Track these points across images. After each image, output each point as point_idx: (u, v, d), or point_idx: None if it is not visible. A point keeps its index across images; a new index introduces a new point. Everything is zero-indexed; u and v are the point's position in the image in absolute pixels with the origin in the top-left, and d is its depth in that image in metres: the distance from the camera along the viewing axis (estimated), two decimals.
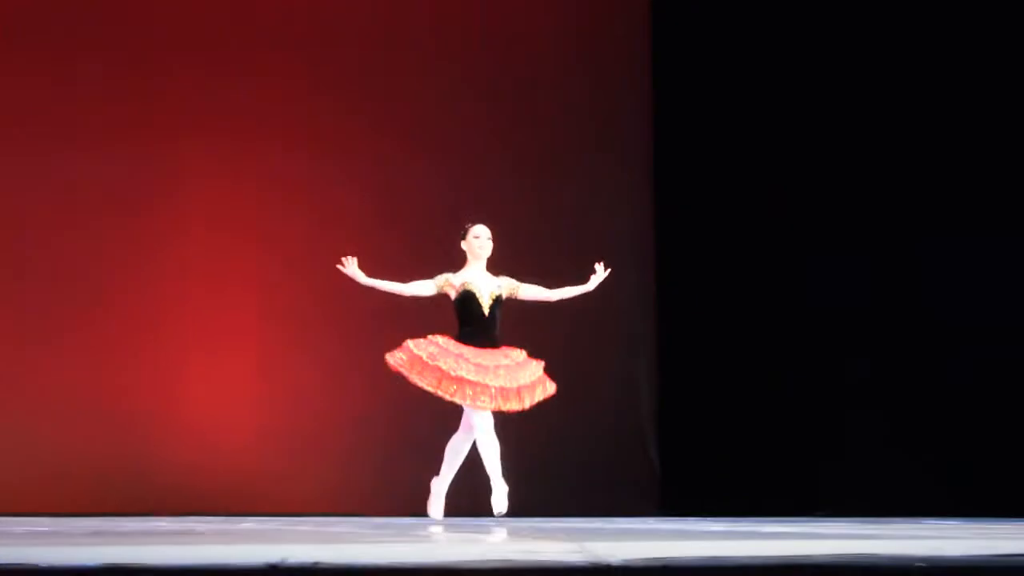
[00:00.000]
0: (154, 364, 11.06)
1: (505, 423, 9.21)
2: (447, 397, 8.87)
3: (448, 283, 9.14)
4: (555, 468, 11.10)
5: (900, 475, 10.75)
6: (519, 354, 9.07)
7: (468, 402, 8.86)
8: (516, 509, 9.52)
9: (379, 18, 11.66)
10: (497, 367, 8.93)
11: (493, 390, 8.84)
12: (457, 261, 9.25)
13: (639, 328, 11.81)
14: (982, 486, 10.46)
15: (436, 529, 7.65)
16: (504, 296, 9.16)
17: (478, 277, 9.17)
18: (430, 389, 8.86)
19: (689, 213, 11.70)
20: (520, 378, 8.95)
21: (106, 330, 11.01)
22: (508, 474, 9.07)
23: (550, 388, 9.05)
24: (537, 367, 9.06)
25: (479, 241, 9.20)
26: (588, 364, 11.29)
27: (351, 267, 9.10)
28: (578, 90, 11.85)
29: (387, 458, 11.14)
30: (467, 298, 9.11)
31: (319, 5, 11.64)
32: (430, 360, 8.89)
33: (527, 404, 8.95)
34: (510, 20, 11.85)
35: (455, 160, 11.59)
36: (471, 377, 8.85)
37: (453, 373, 8.85)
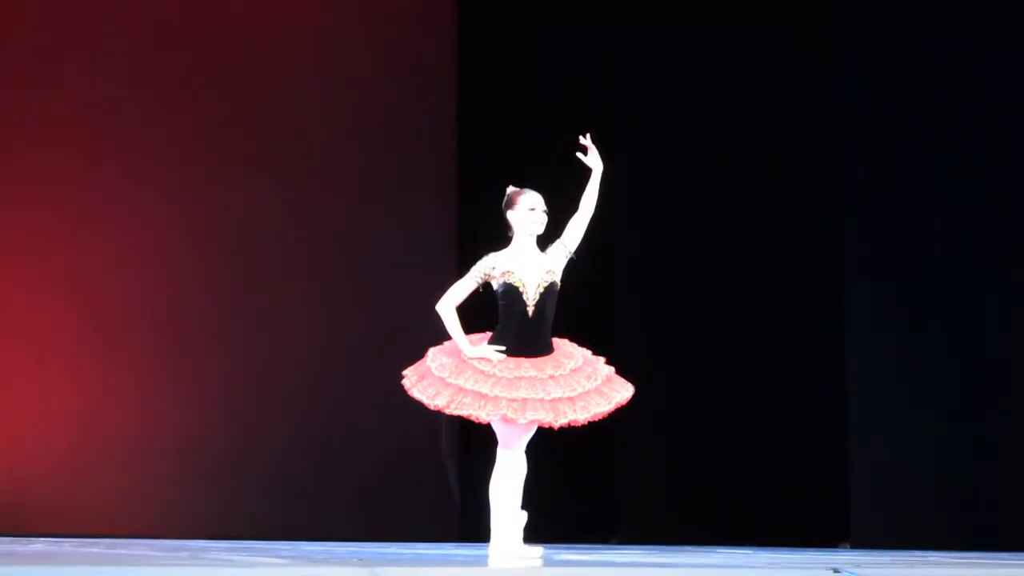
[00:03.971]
0: None
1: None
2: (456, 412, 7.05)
3: (490, 271, 7.23)
4: (352, 488, 11.15)
5: (694, 502, 10.97)
6: (579, 355, 7.24)
7: (486, 414, 7.01)
8: (298, 531, 9.44)
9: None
10: (548, 379, 7.10)
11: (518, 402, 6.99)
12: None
13: None
14: (782, 515, 10.72)
15: (235, 556, 7.43)
16: (559, 280, 7.25)
17: (525, 262, 7.24)
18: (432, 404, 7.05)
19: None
20: (578, 385, 7.12)
21: None
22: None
23: (619, 394, 7.14)
24: (601, 369, 7.22)
25: (534, 215, 7.24)
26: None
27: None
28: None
29: (177, 480, 11.05)
30: (508, 292, 7.22)
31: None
32: (438, 372, 7.10)
33: (583, 417, 7.04)
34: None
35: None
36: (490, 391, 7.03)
37: (470, 387, 7.05)
